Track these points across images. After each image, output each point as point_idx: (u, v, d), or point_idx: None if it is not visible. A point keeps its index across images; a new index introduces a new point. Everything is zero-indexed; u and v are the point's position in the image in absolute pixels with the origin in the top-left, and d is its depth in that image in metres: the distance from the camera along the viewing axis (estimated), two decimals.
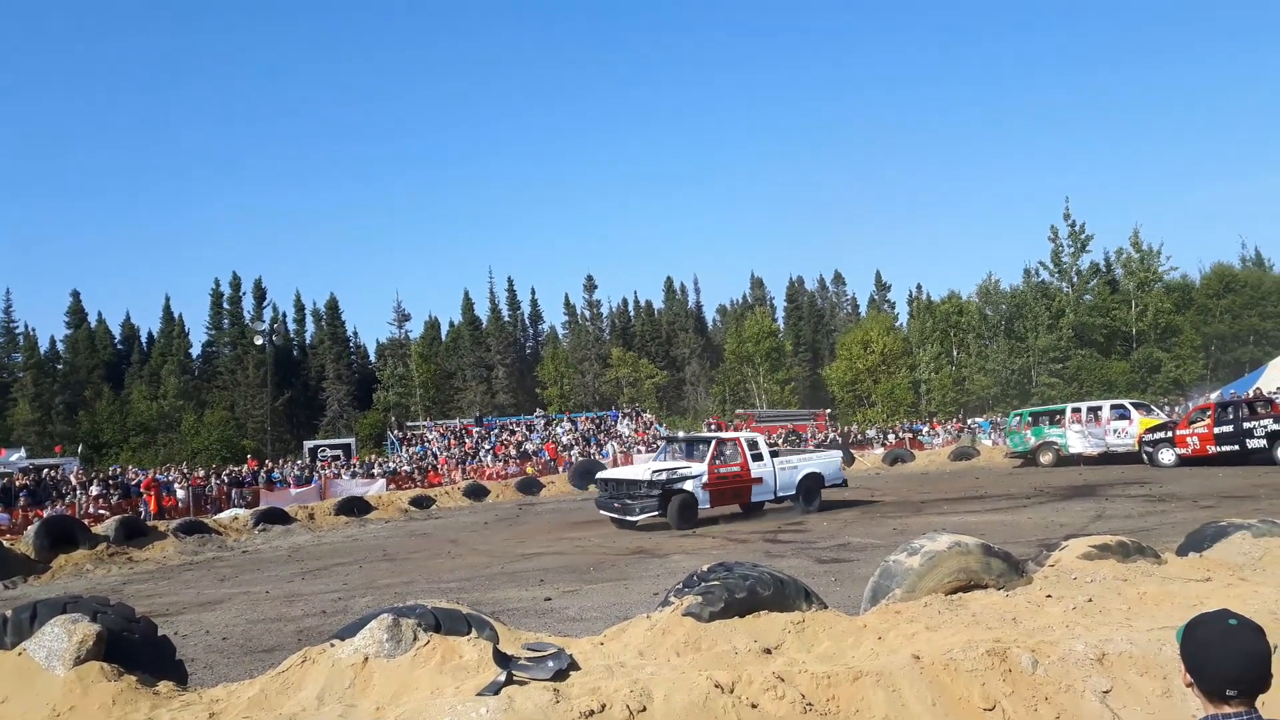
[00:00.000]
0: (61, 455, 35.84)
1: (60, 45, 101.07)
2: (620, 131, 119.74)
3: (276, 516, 23.02)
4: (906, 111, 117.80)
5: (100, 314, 70.34)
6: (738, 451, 18.36)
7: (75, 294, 68.11)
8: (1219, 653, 2.13)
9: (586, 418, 49.17)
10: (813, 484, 18.97)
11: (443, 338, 73.20)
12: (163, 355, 67.02)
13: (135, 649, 4.99)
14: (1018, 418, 31.66)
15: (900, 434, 43.76)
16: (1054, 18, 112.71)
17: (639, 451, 39.58)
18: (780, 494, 18.55)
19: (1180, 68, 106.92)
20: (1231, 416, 23.12)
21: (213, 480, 30.22)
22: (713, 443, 18.44)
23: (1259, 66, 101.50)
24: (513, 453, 39.72)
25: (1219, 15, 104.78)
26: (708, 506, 17.54)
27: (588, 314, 76.05)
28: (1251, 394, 29.04)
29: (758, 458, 18.45)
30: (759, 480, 18.26)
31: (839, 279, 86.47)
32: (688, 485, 17.20)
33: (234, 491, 28.74)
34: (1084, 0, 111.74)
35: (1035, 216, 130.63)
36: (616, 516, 17.46)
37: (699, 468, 17.61)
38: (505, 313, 75.24)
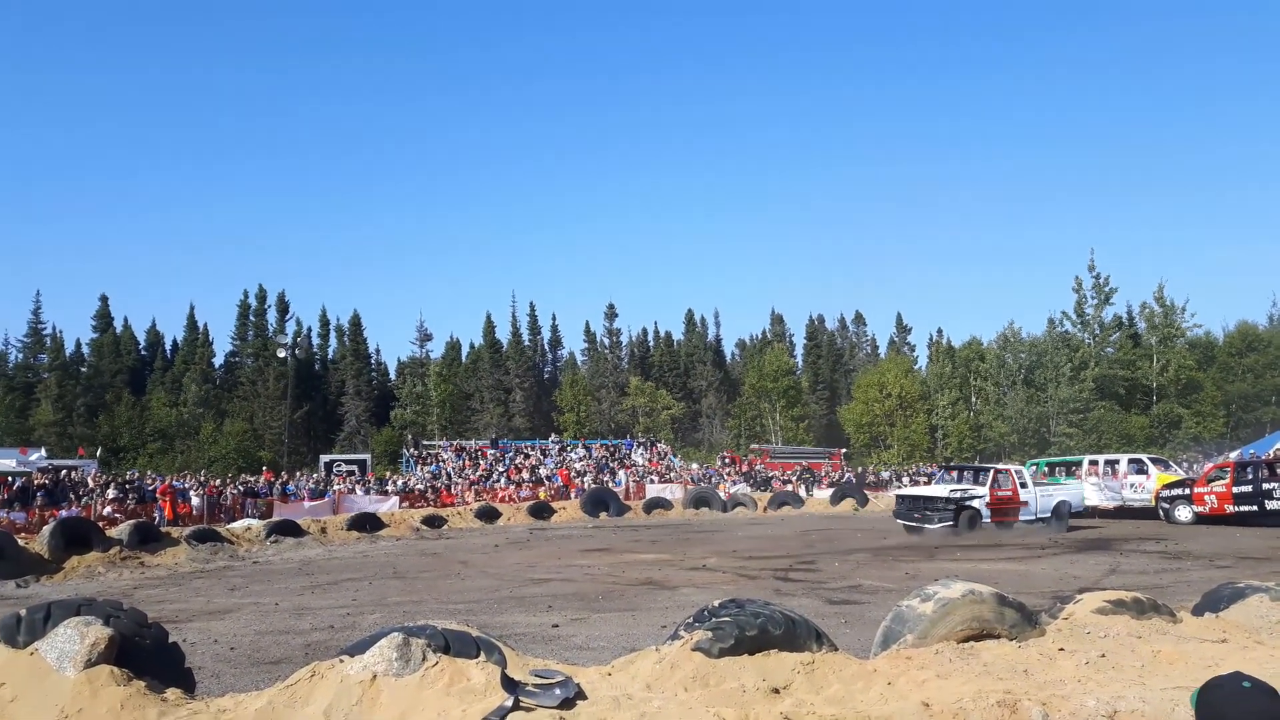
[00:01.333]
0: (83, 458, 36.14)
1: (93, 51, 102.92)
2: (647, 163, 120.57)
3: (289, 529, 23.09)
4: (934, 154, 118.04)
5: (126, 319, 71.26)
6: (1009, 479, 23.08)
7: (104, 298, 69.07)
8: (1233, 715, 2.12)
9: (601, 445, 49.18)
10: (1063, 509, 23.44)
11: (463, 359, 73.50)
12: (185, 363, 67.58)
13: (145, 655, 5.01)
14: (1034, 467, 31.43)
15: (915, 478, 43.48)
16: (1085, 67, 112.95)
17: (652, 481, 39.50)
18: (1039, 515, 22.84)
19: (1211, 120, 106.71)
20: (1251, 477, 22.86)
21: (228, 489, 30.37)
22: (992, 472, 23.15)
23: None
24: (526, 476, 39.72)
25: (1252, 68, 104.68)
26: (988, 521, 21.83)
27: (607, 342, 76.21)
28: (1272, 455, 28.72)
29: (1024, 485, 23.16)
30: (1025, 503, 22.76)
31: (859, 319, 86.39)
32: (975, 503, 21.83)
33: (248, 502, 28.86)
34: (1115, 51, 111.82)
35: (1060, 265, 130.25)
36: (914, 525, 21.85)
37: (982, 490, 22.25)
38: (526, 337, 75.49)
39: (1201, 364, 58.15)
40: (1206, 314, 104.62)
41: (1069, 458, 32.75)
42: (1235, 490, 22.74)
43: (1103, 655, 4.90)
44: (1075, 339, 58.54)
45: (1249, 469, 23.44)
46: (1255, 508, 22.25)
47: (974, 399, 61.65)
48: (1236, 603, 6.27)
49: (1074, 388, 54.69)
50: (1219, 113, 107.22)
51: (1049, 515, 23.02)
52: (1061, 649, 5.02)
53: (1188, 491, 24.04)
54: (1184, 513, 23.71)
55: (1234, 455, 31.64)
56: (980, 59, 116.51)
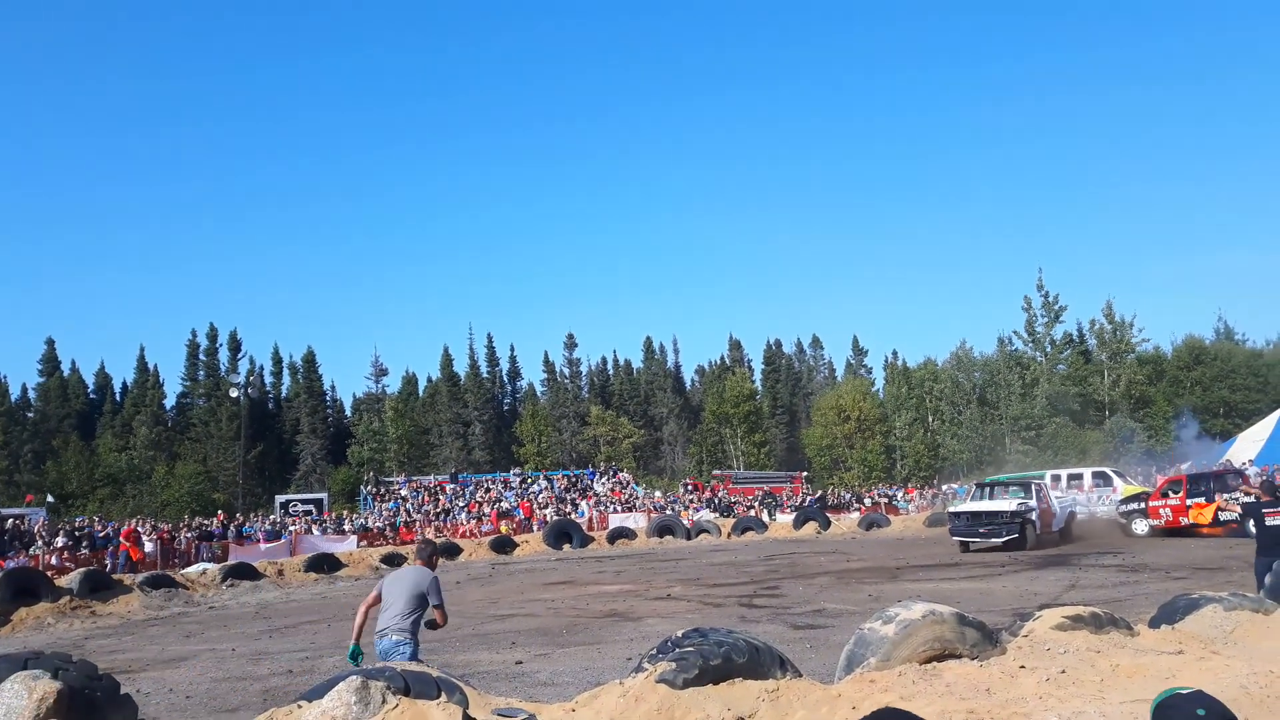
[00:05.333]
0: (31, 504, 35.24)
1: (42, 89, 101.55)
2: (602, 192, 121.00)
3: (245, 572, 22.67)
4: (883, 177, 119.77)
5: (74, 362, 70.00)
6: (1045, 492, 24.20)
7: (50, 342, 67.79)
8: None
9: (563, 476, 48.93)
10: (1070, 519, 25.15)
11: (420, 393, 72.93)
12: (135, 405, 66.37)
13: (96, 708, 4.89)
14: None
15: (876, 499, 43.73)
16: (1030, 87, 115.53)
17: (615, 511, 39.30)
18: (1058, 525, 24.11)
19: (1156, 139, 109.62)
20: (1204, 489, 23.25)
21: (181, 534, 29.75)
22: (1037, 486, 23.94)
23: (1234, 142, 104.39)
24: (487, 511, 39.38)
25: (1195, 92, 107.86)
26: (1038, 532, 22.44)
27: (567, 372, 76.16)
28: (1220, 466, 29.28)
29: (1050, 497, 24.60)
30: (1054, 514, 23.97)
31: (816, 343, 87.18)
32: (1032, 515, 22.31)
33: (202, 545, 28.27)
34: (1059, 70, 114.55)
35: (1012, 284, 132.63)
36: (977, 540, 22.27)
37: (1034, 503, 22.72)
38: (484, 369, 75.20)
39: (1152, 379, 59.34)
40: (1154, 329, 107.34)
41: (1027, 474, 32.97)
42: (1189, 502, 23.10)
43: (1063, 671, 4.94)
44: (1026, 357, 59.51)
45: (1201, 481, 23.84)
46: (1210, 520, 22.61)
47: (930, 419, 62.36)
48: (1191, 614, 6.38)
49: (1025, 404, 55.51)
50: (1160, 132, 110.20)
51: (1063, 525, 24.52)
52: (1022, 666, 5.06)
53: (1143, 505, 24.40)
54: (1140, 525, 24.06)
55: (1186, 467, 32.19)
56: (928, 86, 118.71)
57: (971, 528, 22.50)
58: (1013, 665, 5.10)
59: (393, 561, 26.83)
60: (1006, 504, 22.57)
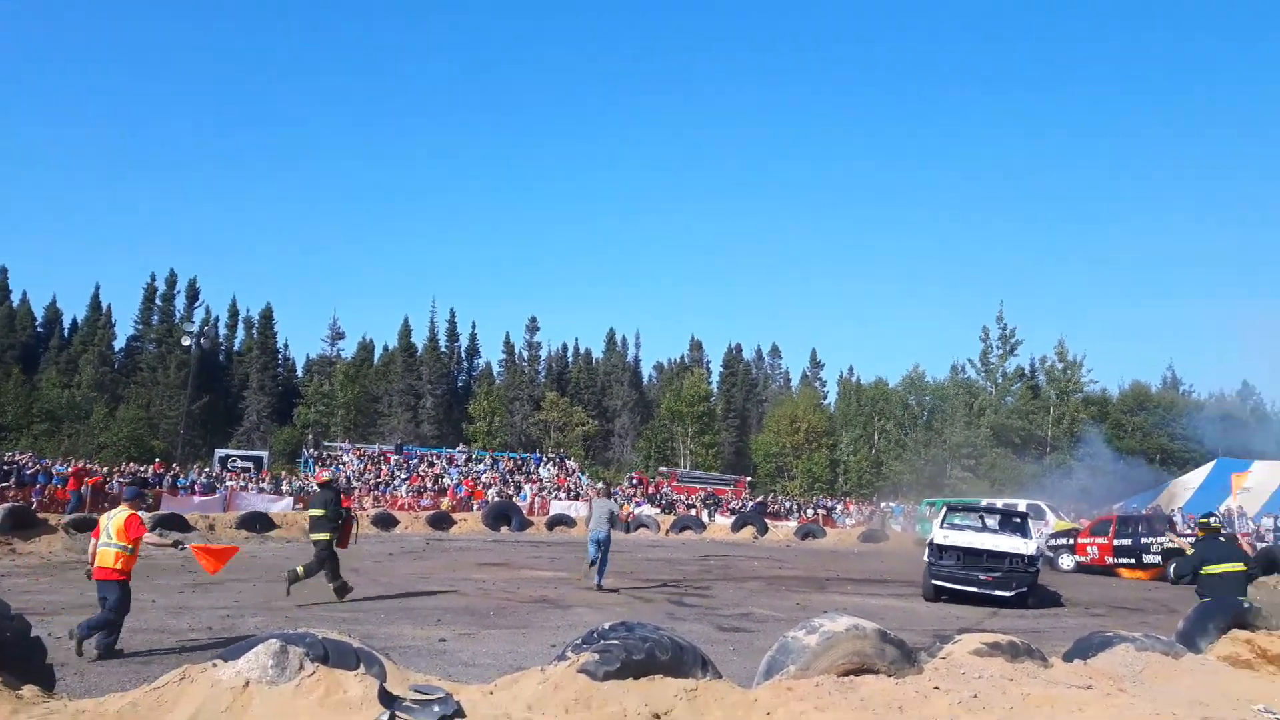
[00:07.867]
0: None
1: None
2: (577, 179, 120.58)
3: (175, 523, 22.26)
4: (852, 194, 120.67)
5: (25, 294, 68.53)
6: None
7: (2, 269, 66.20)
8: None
9: (509, 458, 48.76)
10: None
11: (375, 361, 72.22)
12: (84, 343, 65.12)
13: (3, 647, 4.79)
14: (930, 506, 32.15)
15: (815, 509, 44.14)
16: (1007, 118, 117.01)
17: (558, 498, 39.22)
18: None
19: (1132, 182, 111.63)
20: (1131, 531, 23.79)
21: (114, 479, 29.21)
22: (1022, 516, 18.25)
23: (1196, 195, 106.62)
24: (429, 485, 39.12)
25: (1156, 147, 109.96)
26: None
27: (526, 355, 75.90)
28: (1149, 510, 29.92)
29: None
30: None
31: (776, 351, 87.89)
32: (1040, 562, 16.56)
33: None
34: (1031, 111, 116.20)
35: (972, 314, 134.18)
36: (972, 589, 15.22)
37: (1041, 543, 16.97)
38: (443, 343, 74.61)
39: (1096, 420, 60.53)
40: (1106, 373, 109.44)
41: (967, 500, 33.43)
42: (1116, 543, 23.62)
43: (975, 695, 5.04)
44: (976, 385, 60.40)
45: (1130, 524, 24.38)
46: (1133, 560, 23.15)
47: (876, 437, 63.10)
48: (1104, 651, 6.56)
49: (969, 431, 56.36)
50: (1136, 176, 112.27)
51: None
52: (936, 688, 5.15)
53: (1072, 541, 24.91)
54: (1067, 560, 24.55)
55: (1118, 508, 32.87)
56: (905, 105, 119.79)
57: (966, 573, 15.47)
58: (927, 686, 5.19)
59: None
60: (1021, 544, 15.90)
